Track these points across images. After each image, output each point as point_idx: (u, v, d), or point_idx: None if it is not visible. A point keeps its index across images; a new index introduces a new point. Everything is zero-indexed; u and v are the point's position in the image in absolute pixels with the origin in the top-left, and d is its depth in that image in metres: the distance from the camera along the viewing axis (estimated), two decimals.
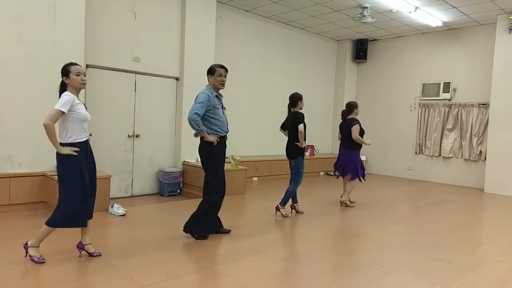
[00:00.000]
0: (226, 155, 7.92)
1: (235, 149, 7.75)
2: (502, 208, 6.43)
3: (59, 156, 3.09)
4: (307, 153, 9.44)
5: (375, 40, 10.13)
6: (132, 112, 6.20)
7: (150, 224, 4.45)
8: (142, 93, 6.29)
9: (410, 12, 7.51)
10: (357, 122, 5.69)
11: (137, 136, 6.25)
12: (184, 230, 3.97)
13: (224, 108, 4.13)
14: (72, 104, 3.03)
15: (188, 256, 3.57)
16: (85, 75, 3.17)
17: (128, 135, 6.17)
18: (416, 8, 7.32)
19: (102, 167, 5.54)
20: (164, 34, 6.51)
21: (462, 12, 7.54)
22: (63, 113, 2.98)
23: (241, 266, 3.38)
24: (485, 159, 8.04)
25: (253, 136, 8.42)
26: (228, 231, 4.19)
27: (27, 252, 3.19)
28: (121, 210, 4.87)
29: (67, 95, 3.06)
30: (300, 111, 5.07)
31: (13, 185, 4.80)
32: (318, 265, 3.47)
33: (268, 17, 8.46)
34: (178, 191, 6.63)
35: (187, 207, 5.64)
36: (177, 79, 6.77)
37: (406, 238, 4.48)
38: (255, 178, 7.91)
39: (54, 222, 3.16)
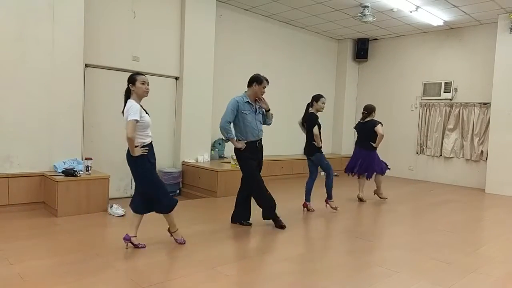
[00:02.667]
0: (226, 155, 7.94)
1: None
2: (503, 208, 6.40)
3: (134, 160, 3.39)
4: None
5: (376, 39, 10.10)
6: None
7: (149, 224, 4.42)
8: None
9: (411, 11, 7.48)
10: (380, 122, 6.02)
11: None
12: (265, 218, 4.45)
13: (260, 112, 4.42)
14: (140, 113, 3.32)
15: (188, 256, 3.54)
16: (148, 84, 3.45)
17: None
18: (417, 7, 7.29)
19: (100, 168, 5.54)
20: (164, 33, 6.49)
21: (463, 12, 7.51)
22: (137, 121, 3.27)
23: (242, 267, 3.36)
24: (486, 159, 8.01)
25: None
26: (249, 224, 4.50)
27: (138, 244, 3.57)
28: (120, 211, 4.85)
29: (134, 104, 3.32)
30: (317, 112, 5.33)
31: (12, 185, 4.78)
32: (318, 266, 3.45)
33: (268, 16, 8.43)
34: (178, 191, 6.61)
35: (187, 208, 5.62)
36: (176, 78, 6.75)
37: (406, 239, 4.46)
38: None
39: (167, 207, 3.56)
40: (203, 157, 7.00)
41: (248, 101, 4.31)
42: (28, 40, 4.87)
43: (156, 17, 6.37)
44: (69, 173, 4.82)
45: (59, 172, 4.93)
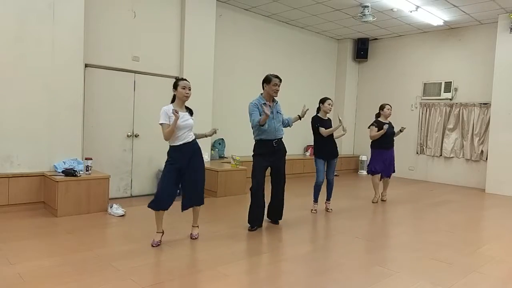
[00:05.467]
0: (226, 155, 7.93)
1: (235, 149, 7.73)
2: (504, 208, 6.40)
3: None
4: (307, 153, 9.42)
5: (376, 39, 10.10)
6: (131, 111, 6.17)
7: (150, 224, 4.42)
8: (141, 92, 6.26)
9: (411, 11, 7.48)
10: (372, 123, 6.19)
11: (136, 136, 6.22)
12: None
13: (279, 113, 4.51)
14: (166, 114, 3.63)
15: (188, 257, 3.55)
16: (189, 89, 3.79)
17: (127, 135, 6.15)
18: (417, 7, 7.29)
19: (101, 167, 5.54)
20: (164, 33, 6.48)
21: (463, 11, 7.51)
22: (164, 124, 3.65)
23: (242, 267, 3.36)
24: (486, 159, 8.01)
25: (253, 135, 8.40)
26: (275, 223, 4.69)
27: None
28: (120, 211, 4.85)
29: (163, 110, 3.66)
30: (326, 115, 5.33)
31: (12, 185, 4.78)
32: (318, 266, 3.45)
33: (268, 16, 8.43)
34: (178, 191, 6.58)
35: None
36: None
37: (407, 239, 4.46)
38: None
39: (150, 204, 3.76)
40: (203, 157, 6.98)
41: (265, 103, 4.34)
42: (28, 40, 4.87)
43: (156, 17, 6.36)
44: (69, 173, 4.82)
45: (59, 172, 4.93)
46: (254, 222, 4.44)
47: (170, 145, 3.80)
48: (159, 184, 3.86)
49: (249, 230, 4.40)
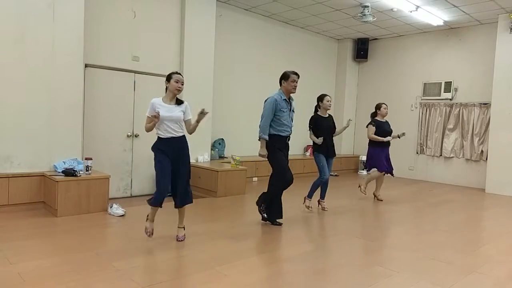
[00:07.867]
0: (226, 155, 7.94)
1: (235, 149, 7.74)
2: (503, 208, 6.40)
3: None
4: (307, 153, 9.42)
5: (376, 39, 10.10)
6: (131, 111, 6.17)
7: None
8: (141, 92, 6.26)
9: (411, 11, 7.49)
10: (369, 122, 6.21)
11: (136, 136, 6.23)
12: (257, 203, 4.59)
13: (293, 111, 4.55)
14: (153, 108, 3.65)
15: (188, 256, 3.55)
16: (182, 84, 3.78)
17: (127, 135, 6.15)
18: (417, 7, 7.29)
19: (101, 167, 5.54)
20: (164, 33, 6.49)
21: (463, 11, 7.51)
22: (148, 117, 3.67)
23: (242, 267, 3.36)
24: (486, 159, 8.01)
25: (253, 135, 8.37)
26: (279, 224, 4.59)
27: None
28: (120, 211, 4.85)
29: (152, 101, 3.71)
30: (326, 111, 5.40)
31: (12, 185, 4.78)
32: (318, 266, 3.45)
33: (268, 16, 8.43)
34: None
35: (187, 207, 5.61)
36: None
37: (407, 239, 4.46)
38: (255, 178, 7.88)
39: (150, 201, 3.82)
40: (203, 157, 7.00)
41: (285, 99, 4.38)
42: (28, 40, 4.86)
43: (156, 17, 6.37)
44: (69, 173, 4.82)
45: (59, 172, 4.93)
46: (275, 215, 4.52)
47: (158, 136, 3.74)
48: (157, 177, 3.80)
49: (274, 224, 4.51)
